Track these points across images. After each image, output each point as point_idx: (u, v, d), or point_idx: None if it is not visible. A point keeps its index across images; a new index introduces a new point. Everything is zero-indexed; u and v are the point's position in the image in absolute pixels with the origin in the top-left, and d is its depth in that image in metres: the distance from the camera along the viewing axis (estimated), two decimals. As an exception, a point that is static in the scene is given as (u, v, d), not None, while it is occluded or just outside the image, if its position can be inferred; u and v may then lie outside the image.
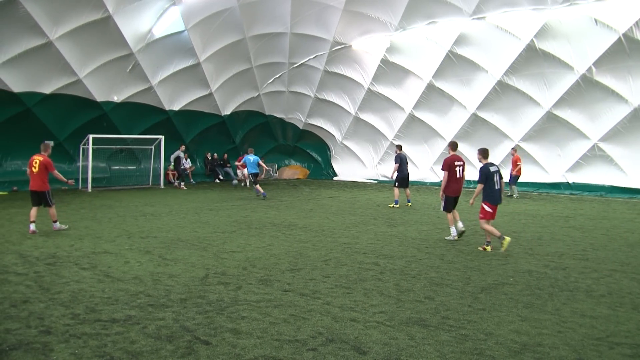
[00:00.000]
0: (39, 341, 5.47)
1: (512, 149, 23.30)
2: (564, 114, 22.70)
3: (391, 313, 6.52)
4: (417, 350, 5.31)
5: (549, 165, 24.40)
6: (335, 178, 33.34)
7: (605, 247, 11.20)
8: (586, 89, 21.51)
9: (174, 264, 9.19)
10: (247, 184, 27.13)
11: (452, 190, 12.06)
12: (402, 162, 18.30)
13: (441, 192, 12.03)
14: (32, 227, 12.34)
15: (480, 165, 10.95)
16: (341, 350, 5.30)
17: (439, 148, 27.32)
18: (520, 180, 22.59)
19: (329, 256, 9.99)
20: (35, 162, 12.48)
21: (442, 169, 12.01)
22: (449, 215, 12.16)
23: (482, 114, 25.08)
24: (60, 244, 11.01)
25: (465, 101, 25.34)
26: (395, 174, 18.50)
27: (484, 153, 11.03)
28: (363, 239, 11.91)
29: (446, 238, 12.05)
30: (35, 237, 11.73)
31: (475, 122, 25.54)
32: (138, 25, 22.46)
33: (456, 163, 12.03)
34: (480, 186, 10.74)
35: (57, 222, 12.78)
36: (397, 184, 18.44)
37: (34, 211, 12.52)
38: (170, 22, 23.12)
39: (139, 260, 9.48)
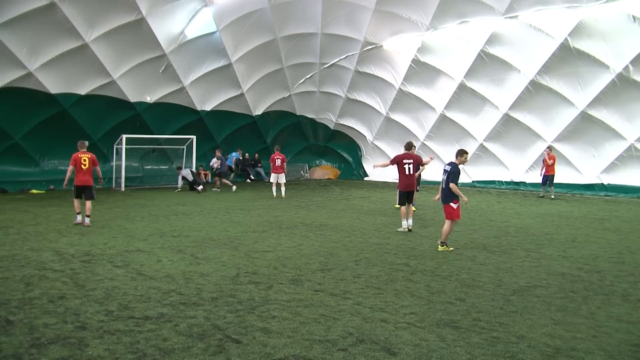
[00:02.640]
0: (75, 336, 5.60)
1: (547, 148, 22.92)
2: (599, 114, 22.23)
3: (422, 314, 6.48)
4: (448, 352, 5.27)
5: (583, 166, 23.91)
6: (366, 178, 33.28)
7: (642, 250, 10.96)
8: (622, 88, 21.02)
9: (205, 262, 9.28)
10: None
11: (403, 185, 13.08)
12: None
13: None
14: (79, 218, 13.50)
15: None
16: (371, 350, 5.30)
17: (471, 149, 27.00)
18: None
19: (359, 256, 9.98)
20: (85, 160, 13.51)
21: (390, 163, 13.15)
22: (402, 209, 13.29)
23: (515, 114, 24.73)
24: (95, 241, 11.22)
25: (498, 101, 25.02)
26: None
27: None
28: (394, 240, 11.87)
29: (397, 230, 13.09)
30: (70, 235, 11.97)
31: (508, 123, 25.21)
32: (171, 27, 22.78)
33: (405, 160, 13.01)
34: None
35: (89, 219, 13.50)
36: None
37: (77, 203, 13.61)
38: (202, 24, 23.39)
39: (171, 258, 9.61)
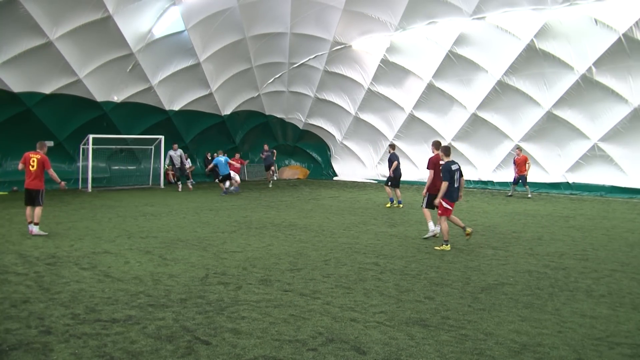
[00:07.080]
0: (39, 341, 5.48)
1: (517, 149, 23.26)
2: (564, 114, 22.69)
3: (391, 313, 6.51)
4: (417, 350, 5.31)
5: (549, 165, 24.38)
6: (335, 178, 33.32)
7: (605, 247, 11.19)
8: (586, 89, 21.49)
9: (174, 264, 9.19)
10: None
11: (435, 188, 11.68)
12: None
13: (424, 190, 12.11)
14: (31, 227, 12.16)
15: (442, 162, 11.04)
16: (341, 350, 5.30)
17: (439, 148, 27.23)
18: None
19: (329, 256, 9.99)
20: (33, 160, 12.18)
21: (427, 168, 11.99)
22: (426, 212, 12.25)
23: (482, 114, 25.06)
24: (60, 244, 11.01)
25: (465, 101, 25.33)
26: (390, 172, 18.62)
27: (445, 151, 11.11)
28: (363, 239, 11.91)
29: (423, 237, 12.15)
30: (35, 237, 11.71)
31: (475, 122, 25.53)
32: (138, 25, 22.45)
33: (441, 162, 11.78)
34: (445, 184, 10.74)
35: (38, 226, 12.19)
36: (389, 183, 18.58)
37: (29, 211, 12.26)
38: (170, 22, 23.10)
39: (139, 260, 9.48)
